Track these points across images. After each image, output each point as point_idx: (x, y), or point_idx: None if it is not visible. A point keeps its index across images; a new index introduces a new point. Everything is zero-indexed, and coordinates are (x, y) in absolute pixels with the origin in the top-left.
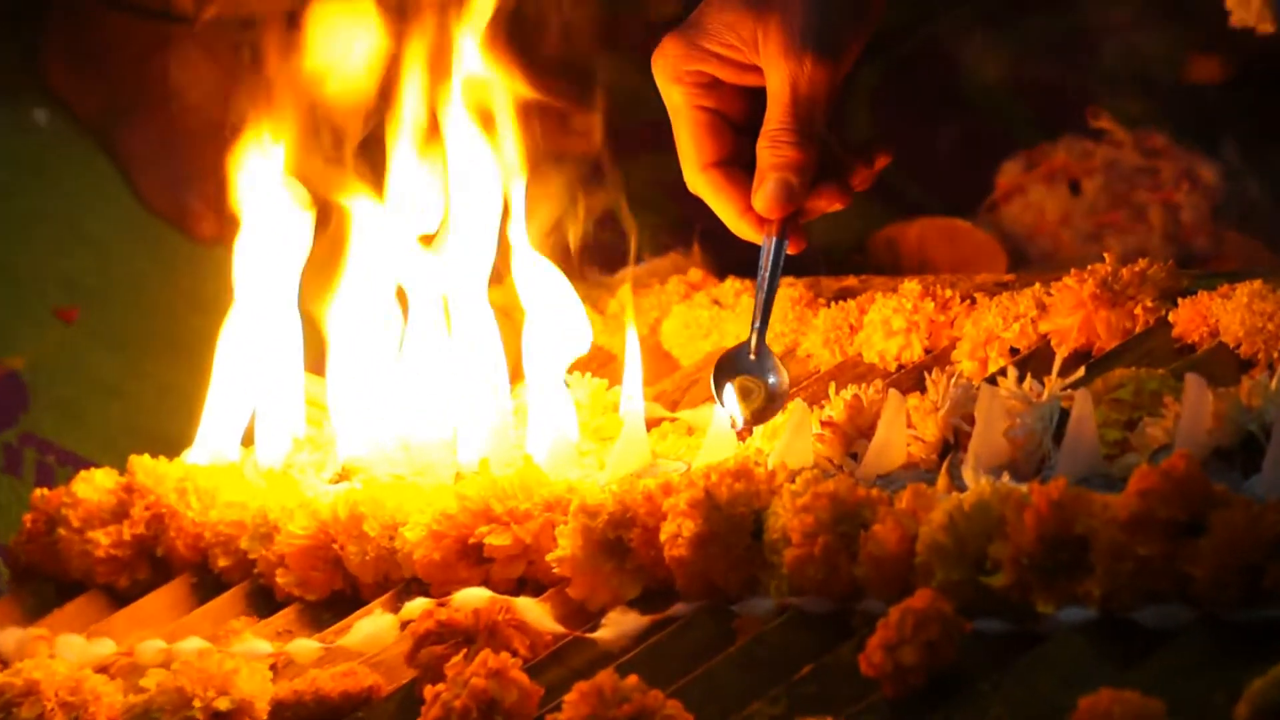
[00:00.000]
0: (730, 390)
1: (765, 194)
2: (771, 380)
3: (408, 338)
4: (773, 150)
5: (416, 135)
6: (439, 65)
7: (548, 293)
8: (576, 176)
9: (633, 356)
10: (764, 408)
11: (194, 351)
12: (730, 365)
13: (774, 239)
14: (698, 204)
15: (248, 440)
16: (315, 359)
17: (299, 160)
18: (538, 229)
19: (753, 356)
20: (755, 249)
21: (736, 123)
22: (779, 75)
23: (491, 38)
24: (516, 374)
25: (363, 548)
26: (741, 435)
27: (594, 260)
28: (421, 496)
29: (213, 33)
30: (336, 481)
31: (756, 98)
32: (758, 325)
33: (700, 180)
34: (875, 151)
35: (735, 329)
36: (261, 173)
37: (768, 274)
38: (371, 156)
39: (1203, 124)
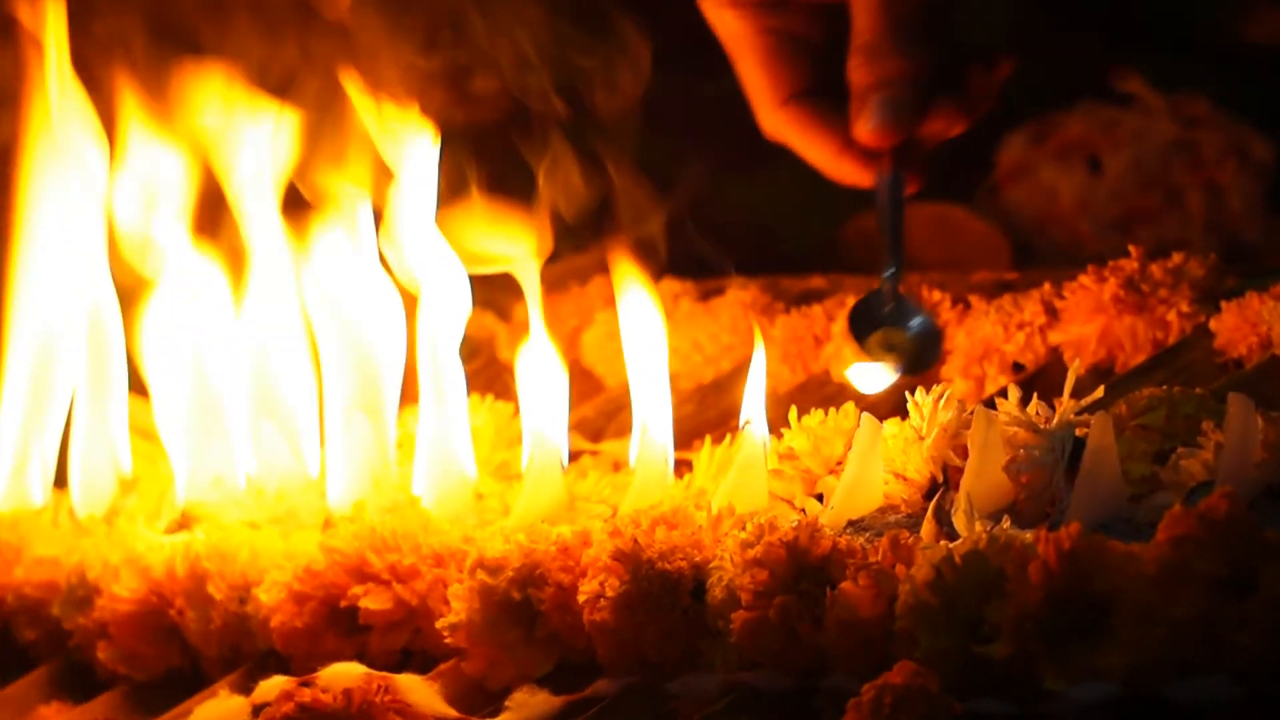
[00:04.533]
0: (871, 346)
1: (870, 119)
2: (916, 324)
3: (260, 350)
4: (871, 65)
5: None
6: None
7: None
8: (477, 151)
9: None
10: (918, 356)
11: None
12: (866, 318)
13: (889, 176)
14: (627, 185)
15: (61, 481)
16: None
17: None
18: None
19: (888, 307)
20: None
21: (814, 44)
22: None
23: None
24: (403, 397)
25: (206, 614)
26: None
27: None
28: (280, 549)
29: None
30: (173, 531)
31: (832, 13)
32: (888, 274)
33: (779, 119)
34: (994, 56)
35: (673, 343)
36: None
37: (889, 216)
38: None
39: (1259, 92)
